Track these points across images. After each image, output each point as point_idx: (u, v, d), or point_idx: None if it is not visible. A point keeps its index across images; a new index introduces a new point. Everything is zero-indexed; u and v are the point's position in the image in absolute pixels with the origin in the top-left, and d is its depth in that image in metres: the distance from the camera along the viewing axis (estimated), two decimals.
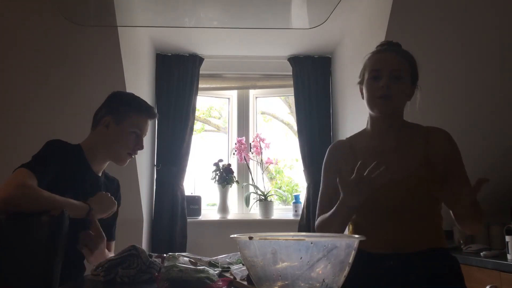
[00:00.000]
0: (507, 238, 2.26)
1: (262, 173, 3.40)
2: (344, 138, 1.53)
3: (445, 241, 1.35)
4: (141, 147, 1.65)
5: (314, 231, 3.03)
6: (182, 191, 3.14)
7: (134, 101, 1.67)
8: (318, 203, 1.47)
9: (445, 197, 1.24)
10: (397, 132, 1.39)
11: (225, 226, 3.16)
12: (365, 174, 1.20)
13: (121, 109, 1.62)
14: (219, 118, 3.85)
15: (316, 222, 1.42)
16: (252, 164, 3.43)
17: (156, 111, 1.71)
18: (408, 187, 1.29)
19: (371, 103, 1.36)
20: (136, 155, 1.68)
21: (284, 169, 3.74)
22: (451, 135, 1.39)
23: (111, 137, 1.60)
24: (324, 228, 1.35)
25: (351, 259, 0.81)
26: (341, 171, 1.41)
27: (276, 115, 3.85)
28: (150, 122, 1.70)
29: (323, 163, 1.50)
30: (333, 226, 1.31)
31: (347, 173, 1.33)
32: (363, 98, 1.41)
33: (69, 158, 1.52)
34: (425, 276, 1.24)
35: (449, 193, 1.24)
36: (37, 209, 1.30)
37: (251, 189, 3.37)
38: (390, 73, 1.33)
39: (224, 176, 3.23)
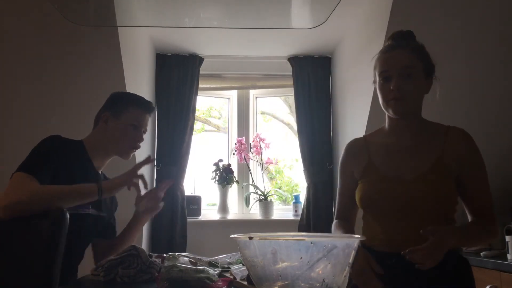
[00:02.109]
0: (507, 238, 2.26)
1: (262, 173, 3.40)
2: (362, 136, 1.52)
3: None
4: (141, 139, 1.69)
5: (314, 231, 3.04)
6: (182, 191, 3.14)
7: (131, 96, 1.72)
8: (336, 201, 1.50)
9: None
10: (414, 131, 1.37)
11: (225, 226, 3.16)
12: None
13: (119, 104, 1.66)
14: (219, 118, 3.85)
15: (332, 226, 1.45)
16: (252, 164, 3.43)
17: (154, 105, 1.76)
18: (416, 189, 1.27)
19: (385, 105, 1.34)
20: (138, 150, 1.70)
21: (284, 169, 3.74)
22: (472, 138, 1.34)
23: (111, 132, 1.63)
24: None
25: (351, 259, 0.81)
26: (354, 168, 1.42)
27: (276, 115, 3.85)
28: (149, 118, 1.73)
29: (340, 161, 1.50)
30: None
31: (359, 171, 1.38)
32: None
33: (69, 154, 1.52)
34: (428, 277, 1.23)
35: (467, 208, 1.32)
36: (48, 208, 1.31)
37: (251, 189, 3.37)
38: (399, 73, 1.30)
39: (224, 176, 3.23)
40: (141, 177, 1.50)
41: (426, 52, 1.36)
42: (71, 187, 1.40)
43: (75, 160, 1.54)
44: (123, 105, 1.66)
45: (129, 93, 1.79)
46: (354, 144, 1.47)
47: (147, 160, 1.56)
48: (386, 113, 1.38)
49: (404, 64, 1.30)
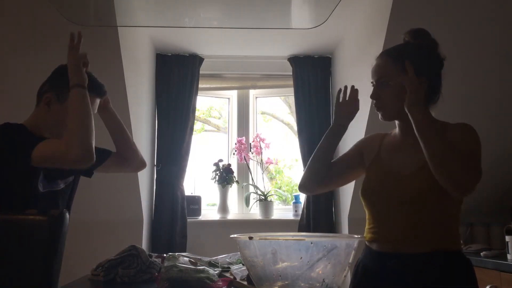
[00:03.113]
0: (507, 238, 2.26)
1: (262, 173, 3.40)
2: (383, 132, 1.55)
3: (456, 243, 1.30)
4: None
5: (314, 231, 3.04)
6: (182, 191, 3.14)
7: None
8: None
9: None
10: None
11: (225, 226, 3.16)
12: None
13: (64, 85, 1.46)
14: (219, 118, 3.85)
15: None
16: (252, 164, 3.43)
17: (105, 89, 1.61)
18: (418, 181, 1.28)
19: None
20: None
21: (284, 169, 3.74)
22: (472, 128, 1.31)
23: (54, 117, 1.47)
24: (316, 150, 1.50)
25: (351, 259, 0.81)
26: (363, 155, 1.46)
27: (276, 115, 3.85)
28: (99, 101, 1.59)
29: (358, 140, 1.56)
30: (321, 143, 1.49)
31: (367, 162, 1.43)
32: None
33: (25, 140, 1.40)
34: (425, 278, 1.23)
35: None
36: (91, 134, 1.35)
37: (251, 189, 3.37)
38: (377, 83, 1.36)
39: (224, 176, 3.23)
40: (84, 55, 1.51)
41: (413, 53, 1.35)
42: (72, 113, 1.37)
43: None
44: (68, 87, 1.45)
45: None
46: (374, 136, 1.52)
47: (77, 37, 1.53)
48: None
49: (380, 74, 1.36)
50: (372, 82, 1.39)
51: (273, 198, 3.37)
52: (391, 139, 1.45)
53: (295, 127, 3.35)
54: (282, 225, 3.18)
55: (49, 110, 1.47)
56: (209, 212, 3.38)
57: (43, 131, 1.47)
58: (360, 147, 1.51)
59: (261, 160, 3.38)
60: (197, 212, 3.22)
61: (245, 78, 3.46)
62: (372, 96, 1.37)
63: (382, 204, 1.33)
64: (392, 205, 1.30)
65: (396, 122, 1.42)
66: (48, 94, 1.48)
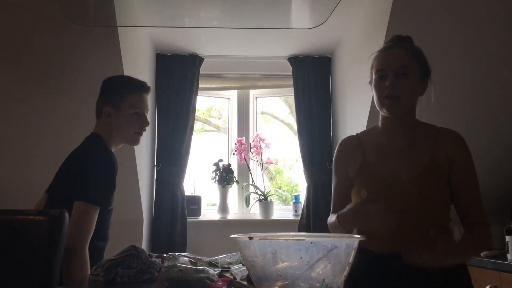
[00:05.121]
0: (507, 238, 2.26)
1: (262, 173, 3.40)
2: (354, 134, 1.51)
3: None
4: (147, 124, 1.76)
5: (314, 231, 3.04)
6: (182, 191, 3.14)
7: (124, 83, 1.75)
8: (332, 197, 1.49)
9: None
10: (407, 131, 1.37)
11: (225, 226, 3.16)
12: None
13: (115, 95, 1.71)
14: (219, 118, 3.85)
15: (328, 219, 1.44)
16: (252, 164, 3.43)
17: (148, 85, 1.79)
18: (413, 189, 1.28)
19: (379, 103, 1.35)
20: (139, 145, 1.80)
21: (284, 169, 3.74)
22: (463, 138, 1.35)
23: (117, 124, 1.70)
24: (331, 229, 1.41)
25: (351, 259, 0.81)
26: (348, 167, 1.42)
27: (276, 115, 3.85)
28: (147, 97, 1.78)
29: (333, 158, 1.50)
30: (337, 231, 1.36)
31: (354, 169, 1.38)
32: None
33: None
34: (427, 277, 1.23)
35: (457, 210, 1.32)
36: None
37: (251, 189, 3.37)
38: (395, 71, 1.31)
39: (224, 176, 3.23)
40: None
41: (423, 56, 1.38)
42: None
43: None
44: (119, 95, 1.70)
45: (120, 79, 1.81)
46: (348, 142, 1.48)
47: None
48: (380, 112, 1.38)
49: (401, 64, 1.31)
50: (381, 70, 1.33)
51: (273, 198, 3.37)
52: (375, 140, 1.41)
53: (295, 127, 3.35)
54: (282, 225, 3.18)
55: (111, 120, 1.70)
56: (209, 212, 3.38)
57: (111, 139, 1.70)
58: (345, 165, 1.43)
59: (261, 160, 3.38)
60: (197, 212, 3.22)
61: (245, 78, 3.46)
62: (390, 83, 1.29)
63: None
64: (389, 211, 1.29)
65: (381, 122, 1.41)
66: (106, 108, 1.70)
